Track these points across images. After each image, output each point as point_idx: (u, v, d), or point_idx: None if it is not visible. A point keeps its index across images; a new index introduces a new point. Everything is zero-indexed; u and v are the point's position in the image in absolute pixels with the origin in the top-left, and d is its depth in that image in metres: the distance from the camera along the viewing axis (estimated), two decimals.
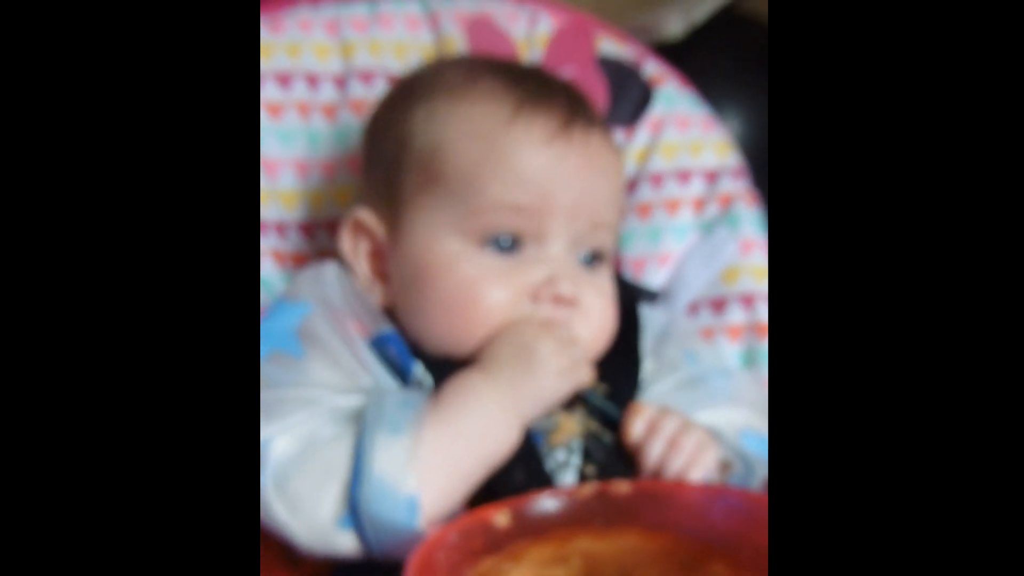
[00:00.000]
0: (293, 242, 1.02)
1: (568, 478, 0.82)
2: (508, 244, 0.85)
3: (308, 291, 0.88)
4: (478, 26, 1.09)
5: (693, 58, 1.28)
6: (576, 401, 0.85)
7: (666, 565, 0.72)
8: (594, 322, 0.87)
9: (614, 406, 0.85)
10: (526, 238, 0.85)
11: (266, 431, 0.77)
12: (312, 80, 1.05)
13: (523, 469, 0.80)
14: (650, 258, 1.06)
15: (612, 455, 0.84)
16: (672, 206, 1.07)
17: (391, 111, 0.92)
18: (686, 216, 1.07)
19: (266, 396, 0.78)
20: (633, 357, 0.91)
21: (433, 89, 0.89)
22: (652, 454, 0.82)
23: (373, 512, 0.75)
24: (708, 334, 1.02)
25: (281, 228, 1.02)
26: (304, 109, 1.04)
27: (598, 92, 1.08)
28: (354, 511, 0.75)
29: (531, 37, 1.10)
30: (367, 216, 0.89)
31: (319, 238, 1.02)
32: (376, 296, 0.88)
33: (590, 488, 0.76)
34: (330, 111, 1.05)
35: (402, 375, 0.84)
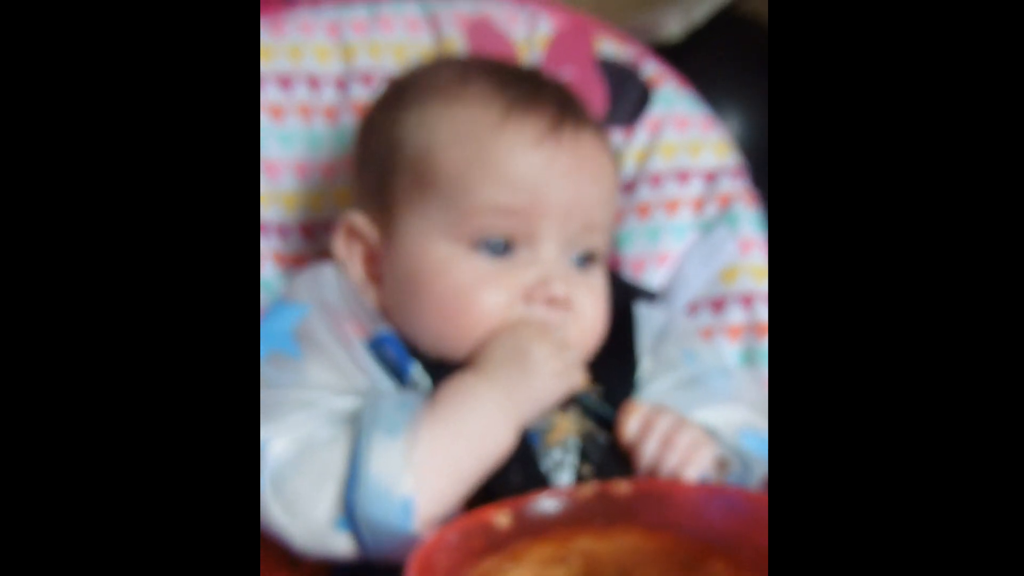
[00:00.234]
0: (294, 244, 1.02)
1: (564, 478, 0.83)
2: (500, 247, 0.85)
3: (306, 292, 0.88)
4: (478, 28, 1.09)
5: (692, 59, 1.28)
6: (571, 402, 0.85)
7: (666, 565, 0.72)
8: (586, 323, 0.87)
9: (608, 407, 0.85)
10: (518, 240, 0.85)
11: (263, 432, 0.77)
12: (313, 82, 1.05)
13: (520, 470, 0.80)
14: (649, 258, 1.06)
15: (608, 454, 0.84)
16: (671, 206, 1.07)
17: (383, 113, 0.92)
18: (685, 216, 1.07)
19: (264, 397, 0.78)
20: (628, 357, 0.91)
21: (424, 92, 0.89)
22: (647, 452, 0.82)
23: (369, 514, 0.75)
24: (707, 333, 1.02)
25: (282, 230, 1.02)
26: (305, 111, 1.04)
27: (597, 93, 1.08)
28: (350, 513, 0.76)
29: (531, 38, 1.10)
30: (360, 220, 0.89)
31: (320, 240, 1.02)
32: (370, 298, 0.88)
33: (590, 488, 0.76)
34: (331, 113, 1.05)
35: (400, 376, 0.84)
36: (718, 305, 1.03)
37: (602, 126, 0.96)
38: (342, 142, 1.04)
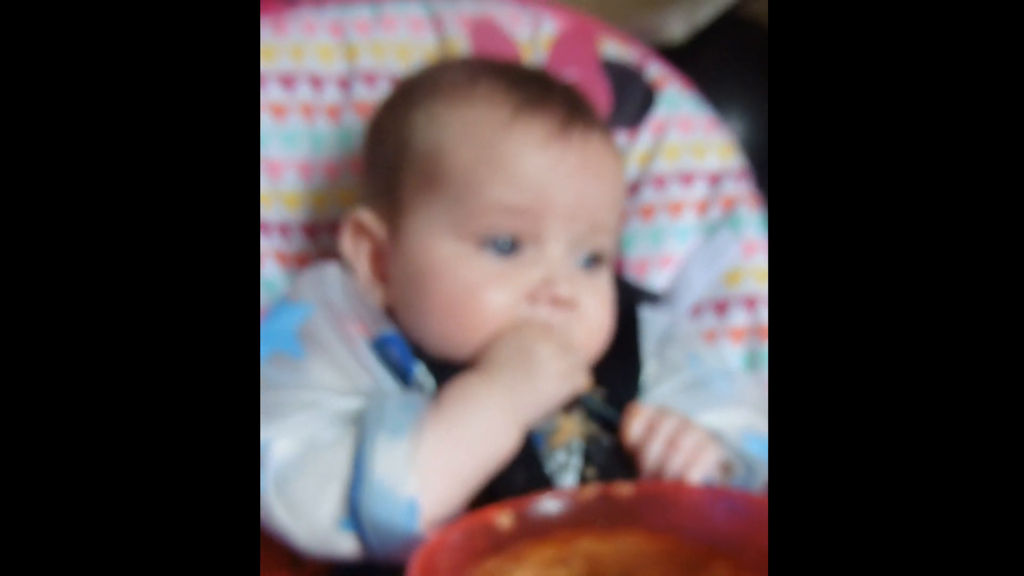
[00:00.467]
0: (296, 243, 1.02)
1: (568, 480, 0.83)
2: (507, 246, 0.85)
3: (309, 292, 0.88)
4: (481, 28, 1.09)
5: (696, 60, 1.28)
6: (575, 404, 0.85)
7: (668, 567, 0.72)
8: (591, 324, 0.87)
9: (612, 409, 0.85)
10: (524, 240, 0.85)
11: (266, 433, 0.77)
12: (316, 82, 1.05)
13: (524, 471, 0.80)
14: (653, 260, 1.06)
15: (612, 457, 0.84)
16: (675, 208, 1.07)
17: (391, 113, 0.92)
18: (689, 218, 1.07)
19: (266, 397, 0.78)
20: (633, 359, 0.91)
21: (433, 91, 0.89)
22: (651, 454, 0.82)
23: (373, 514, 0.75)
24: (711, 336, 1.02)
25: (284, 229, 1.02)
26: (308, 111, 1.04)
27: (601, 94, 1.08)
28: (354, 513, 0.76)
29: (534, 39, 1.10)
30: (367, 217, 0.89)
31: (322, 239, 1.02)
32: (376, 297, 0.88)
33: (593, 490, 0.76)
34: (334, 113, 1.05)
35: (403, 376, 0.84)
36: (721, 308, 1.03)
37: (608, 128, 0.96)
38: (345, 142, 1.04)
